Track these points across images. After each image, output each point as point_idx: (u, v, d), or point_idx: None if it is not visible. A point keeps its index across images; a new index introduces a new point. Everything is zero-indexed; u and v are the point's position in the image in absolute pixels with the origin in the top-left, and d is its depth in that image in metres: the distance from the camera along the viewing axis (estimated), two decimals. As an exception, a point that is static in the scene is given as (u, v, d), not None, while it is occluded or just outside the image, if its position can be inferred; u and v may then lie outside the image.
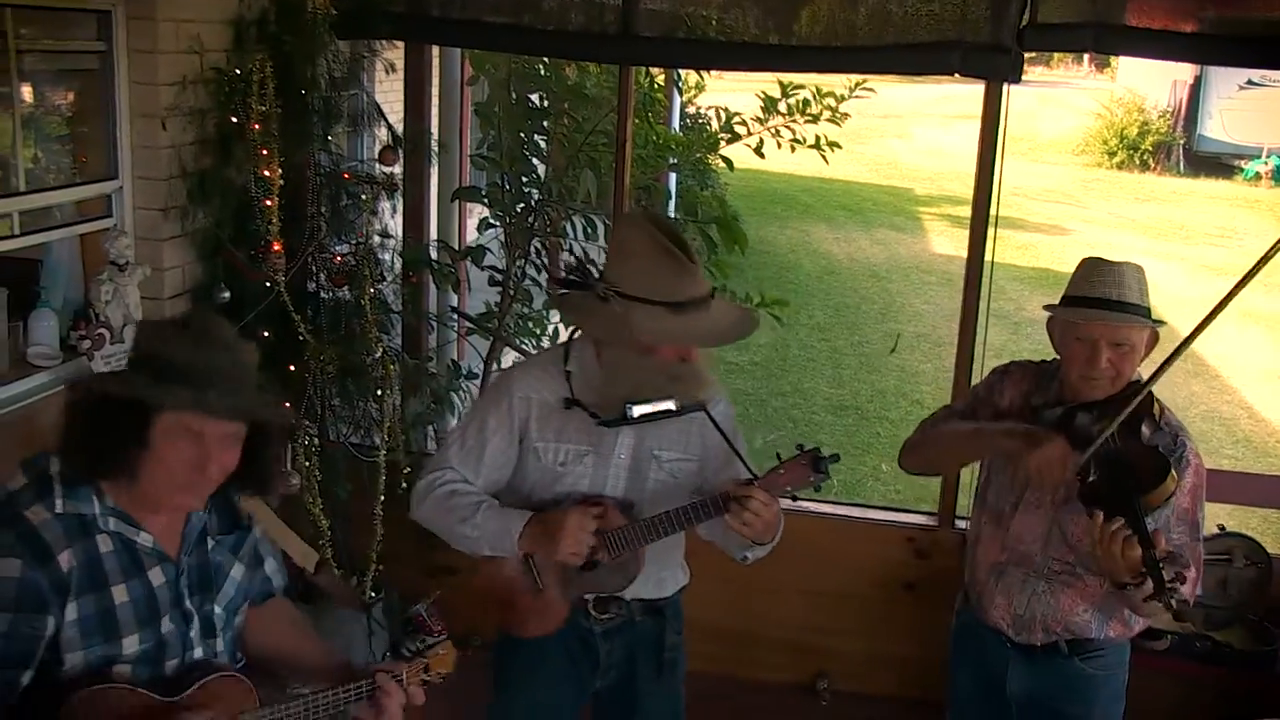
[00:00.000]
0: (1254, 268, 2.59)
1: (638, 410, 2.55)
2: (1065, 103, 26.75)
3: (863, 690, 4.47)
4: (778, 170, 13.82)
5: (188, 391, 1.96)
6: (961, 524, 4.35)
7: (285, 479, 3.82)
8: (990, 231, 4.11)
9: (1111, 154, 20.80)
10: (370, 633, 4.28)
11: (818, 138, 5.65)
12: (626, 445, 2.72)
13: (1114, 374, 2.65)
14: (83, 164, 4.08)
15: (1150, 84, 21.12)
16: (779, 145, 5.70)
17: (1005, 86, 3.94)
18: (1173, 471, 2.57)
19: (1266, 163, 19.97)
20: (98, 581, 1.99)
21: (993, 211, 4.11)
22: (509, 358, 5.69)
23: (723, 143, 5.77)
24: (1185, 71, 20.43)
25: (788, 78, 5.50)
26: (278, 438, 2.24)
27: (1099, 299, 2.64)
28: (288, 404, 4.17)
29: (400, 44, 4.64)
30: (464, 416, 2.98)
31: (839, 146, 5.77)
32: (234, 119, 3.94)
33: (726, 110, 5.87)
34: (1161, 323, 2.68)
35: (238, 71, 3.94)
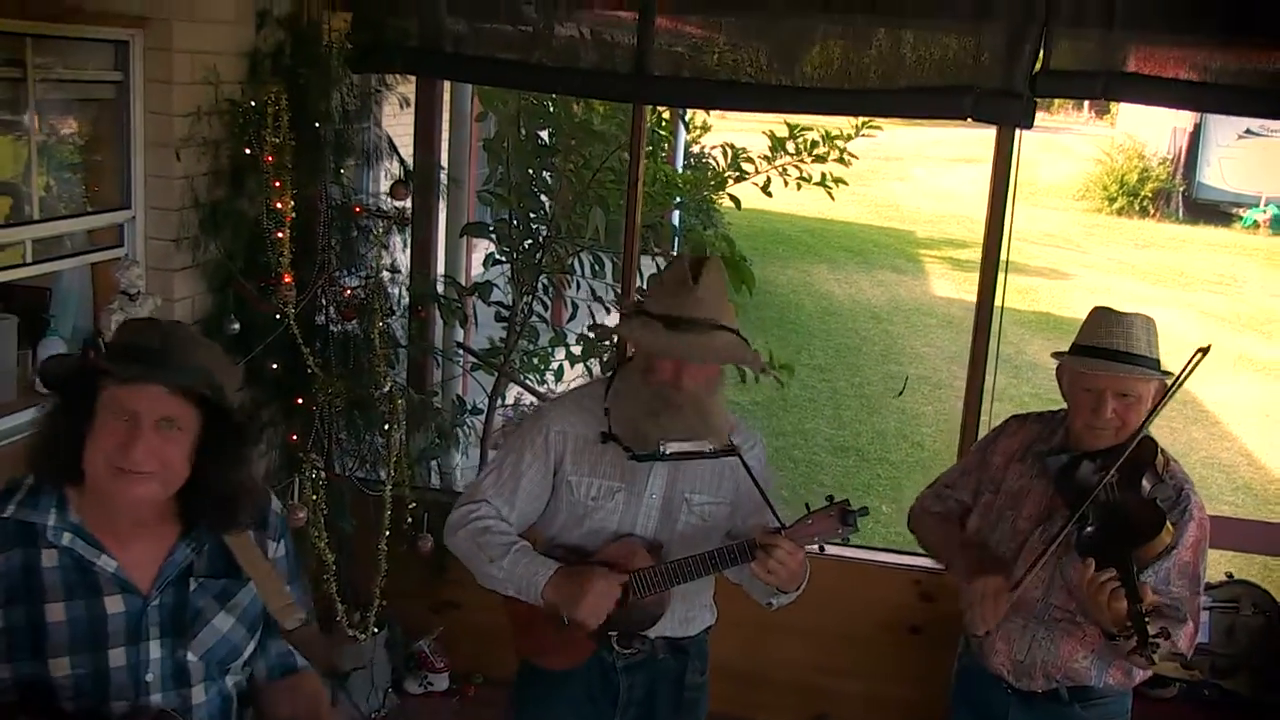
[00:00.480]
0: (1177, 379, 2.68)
1: (670, 447, 2.56)
2: (1065, 148, 26.87)
3: (866, 733, 4.44)
4: (780, 210, 13.86)
5: (114, 364, 1.91)
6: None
7: (293, 511, 3.81)
8: (1001, 277, 4.10)
9: (1112, 200, 20.90)
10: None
11: (824, 175, 5.71)
12: (659, 486, 2.73)
13: (1119, 424, 2.66)
14: (95, 193, 4.08)
15: (1150, 131, 21.27)
16: (785, 184, 5.75)
17: (1018, 132, 3.95)
18: (1168, 525, 2.58)
19: (1265, 211, 20.07)
20: (31, 593, 1.90)
21: (1003, 256, 4.09)
22: (514, 394, 5.70)
23: (730, 181, 5.81)
24: (1185, 119, 20.57)
25: (796, 119, 5.54)
26: (239, 450, 2.05)
27: (1106, 349, 2.67)
28: (294, 436, 4.19)
29: (412, 78, 4.67)
30: (500, 448, 2.97)
31: (845, 183, 5.82)
32: (248, 150, 3.95)
33: (733, 147, 5.90)
34: (1169, 374, 2.69)
35: (252, 103, 3.95)
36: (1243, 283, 16.55)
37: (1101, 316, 2.76)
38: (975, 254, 16.16)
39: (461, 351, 5.61)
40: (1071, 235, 19.39)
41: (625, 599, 2.61)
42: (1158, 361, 2.70)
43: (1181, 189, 20.81)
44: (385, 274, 4.31)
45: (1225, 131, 20.48)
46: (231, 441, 2.02)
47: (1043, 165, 25.29)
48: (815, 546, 2.57)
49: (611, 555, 2.68)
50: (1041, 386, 11.27)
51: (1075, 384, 2.75)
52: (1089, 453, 2.71)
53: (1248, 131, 20.42)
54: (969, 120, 3.96)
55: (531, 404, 5.71)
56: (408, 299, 4.60)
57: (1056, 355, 2.83)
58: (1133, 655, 2.44)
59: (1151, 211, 20.74)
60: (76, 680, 1.92)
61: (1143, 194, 20.80)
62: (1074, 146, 26.81)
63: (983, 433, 4.27)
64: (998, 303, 4.18)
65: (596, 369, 5.87)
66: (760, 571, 2.51)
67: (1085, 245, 18.16)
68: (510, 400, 5.78)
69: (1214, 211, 20.59)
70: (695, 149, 10.82)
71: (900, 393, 10.19)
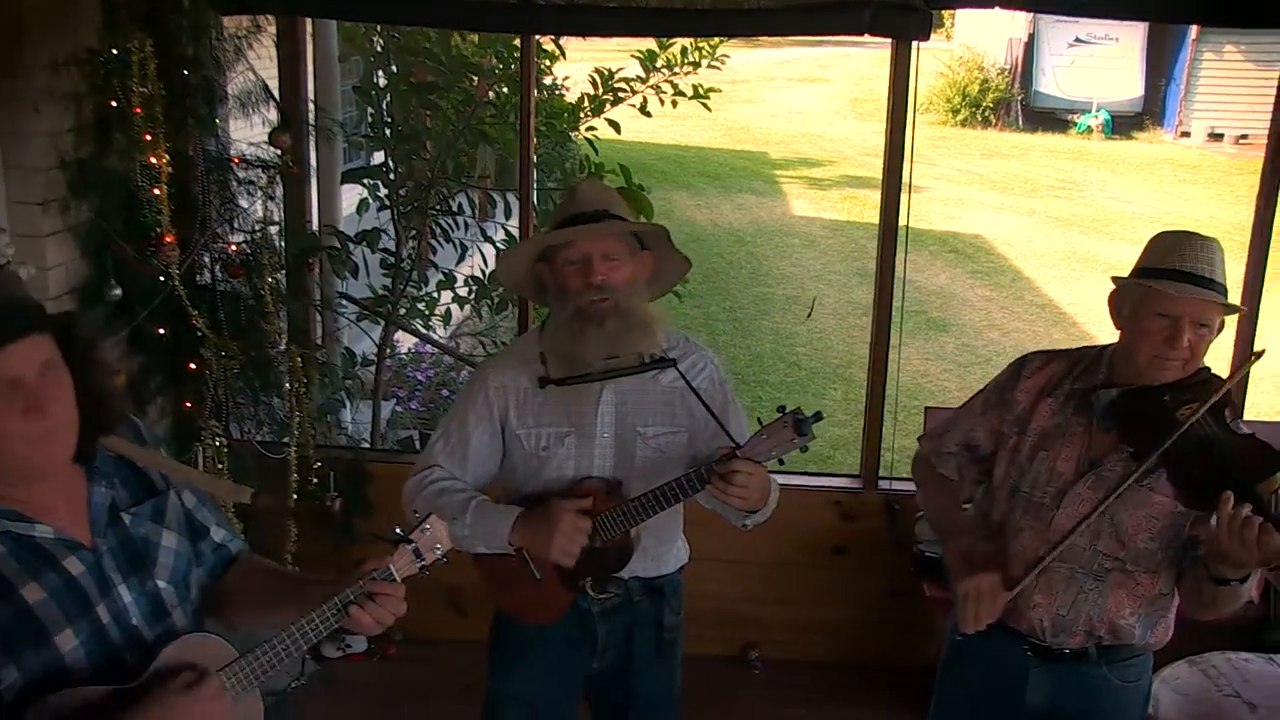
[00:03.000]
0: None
1: (597, 365, 2.55)
2: (904, 63, 27.35)
3: (794, 657, 4.48)
4: (633, 140, 13.75)
5: None
6: (884, 484, 4.38)
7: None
8: (905, 196, 4.10)
9: (955, 112, 21.30)
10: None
11: (695, 88, 5.65)
12: (608, 423, 2.68)
13: (1188, 355, 2.45)
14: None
15: (987, 42, 21.73)
16: (661, 103, 5.67)
17: (915, 46, 3.93)
18: None
19: (1096, 117, 20.74)
20: (1, 589, 1.78)
21: (905, 176, 4.09)
22: (410, 343, 5.53)
23: (607, 105, 5.69)
24: (1020, 29, 21.09)
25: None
26: (94, 356, 1.92)
27: (1189, 273, 2.43)
28: (189, 404, 3.97)
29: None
30: (447, 412, 2.90)
31: (719, 90, 5.77)
32: (113, 103, 3.67)
33: (606, 71, 5.76)
34: (1240, 308, 2.55)
35: (114, 52, 3.66)
36: (1083, 186, 17.12)
37: (1178, 238, 2.51)
38: (830, 172, 16.55)
39: (345, 303, 5.40)
40: (919, 148, 19.62)
41: (591, 541, 2.56)
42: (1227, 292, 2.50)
43: (1020, 98, 21.36)
44: (272, 227, 4.09)
45: (1057, 40, 21.07)
46: (84, 352, 1.90)
47: (883, 81, 25.62)
48: (773, 460, 2.51)
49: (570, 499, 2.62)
50: (908, 300, 11.50)
51: (1147, 308, 2.47)
52: (1150, 387, 2.48)
53: (1078, 40, 21.07)
54: (865, 35, 3.93)
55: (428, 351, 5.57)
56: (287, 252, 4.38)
57: (1119, 280, 2.57)
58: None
59: (993, 121, 21.22)
60: (86, 649, 1.84)
61: (984, 104, 21.25)
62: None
63: (895, 354, 4.34)
64: (902, 221, 4.18)
65: (486, 313, 5.75)
66: (724, 497, 2.47)
67: (933, 157, 18.47)
68: (404, 350, 5.62)
69: (1051, 119, 21.18)
70: (547, 80, 10.61)
71: (809, 314, 10.27)
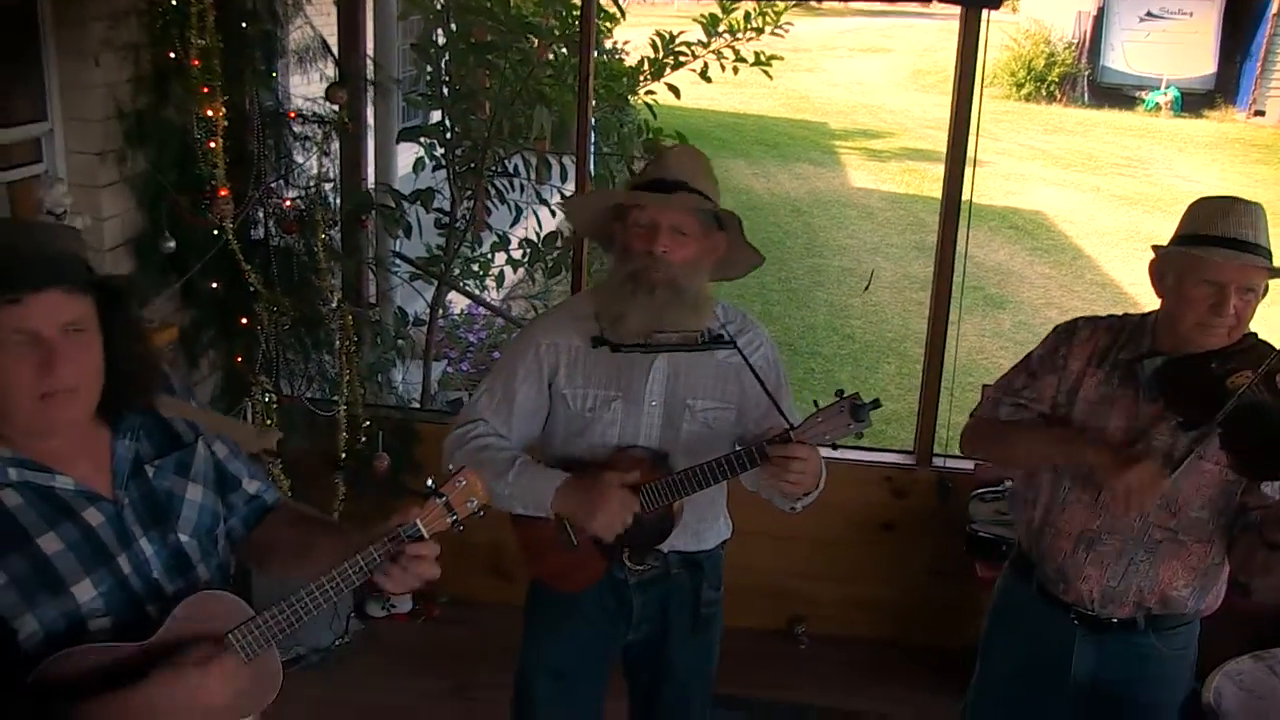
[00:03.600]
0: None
1: (659, 337, 2.49)
2: (969, 35, 26.93)
3: (840, 633, 4.43)
4: (692, 107, 13.64)
5: None
6: (938, 462, 4.30)
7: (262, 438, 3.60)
8: (970, 170, 3.99)
9: (1020, 85, 20.93)
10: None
11: (757, 55, 5.55)
12: (658, 391, 2.61)
13: (1234, 322, 2.42)
14: (5, 107, 3.75)
15: (1055, 15, 21.30)
16: (722, 68, 5.58)
17: (985, 16, 3.82)
18: None
19: (1166, 94, 20.28)
20: (16, 538, 1.75)
21: (970, 150, 3.97)
22: (463, 304, 5.51)
23: (668, 69, 5.60)
24: (1090, 2, 20.64)
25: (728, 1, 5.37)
26: (134, 321, 1.91)
27: (1233, 239, 2.40)
28: (240, 359, 3.98)
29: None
30: (493, 366, 2.85)
31: (781, 58, 5.67)
32: (171, 55, 3.67)
33: (667, 35, 5.67)
34: None
35: (174, 3, 3.65)
36: (1149, 164, 16.76)
37: (1220, 204, 2.48)
38: (889, 144, 16.36)
39: (399, 262, 5.39)
40: (982, 122, 19.38)
41: (635, 516, 2.50)
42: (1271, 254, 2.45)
43: (1087, 73, 20.92)
44: (326, 184, 4.07)
45: (1128, 14, 20.60)
46: (125, 315, 1.86)
47: (948, 54, 25.26)
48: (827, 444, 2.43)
49: (616, 467, 2.55)
50: (970, 275, 11.38)
51: (1191, 276, 2.43)
52: (1196, 355, 2.44)
53: (1149, 14, 20.59)
54: (933, 3, 3.82)
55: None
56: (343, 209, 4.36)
57: (1159, 248, 2.54)
58: None
59: (1058, 96, 20.83)
60: (106, 599, 1.81)
61: (1049, 79, 20.86)
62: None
63: (953, 330, 4.24)
64: (965, 196, 4.07)
65: (540, 277, 5.71)
66: (776, 480, 2.40)
67: (996, 132, 18.15)
68: (456, 311, 5.60)
69: (1118, 95, 20.74)
70: (606, 43, 10.52)
71: (867, 287, 10.16)
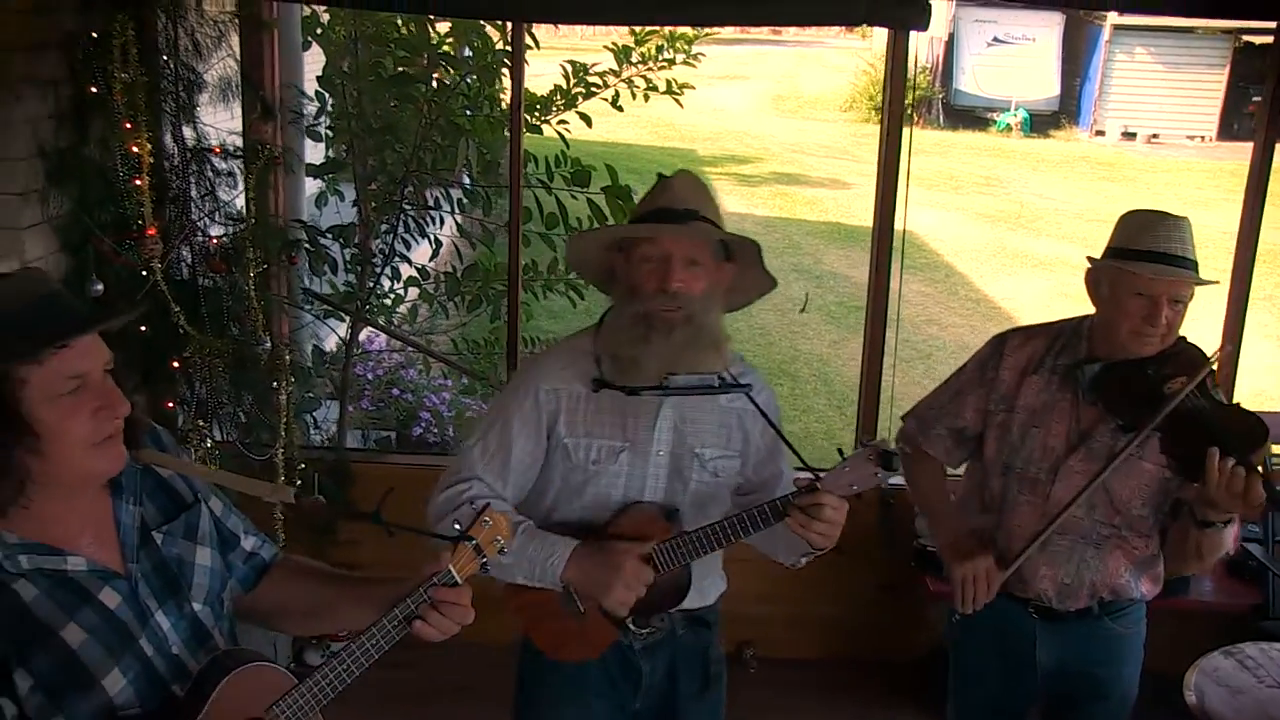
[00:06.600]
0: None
1: (677, 380, 2.34)
2: (822, 62, 27.58)
3: (790, 655, 4.44)
4: (553, 140, 13.69)
5: (24, 342, 1.60)
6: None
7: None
8: (903, 185, 4.06)
9: (879, 109, 21.54)
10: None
11: (668, 82, 5.60)
12: (665, 441, 2.46)
13: (1166, 330, 2.56)
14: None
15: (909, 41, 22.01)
16: (633, 96, 5.61)
17: (913, 36, 3.91)
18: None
19: (1015, 115, 21.20)
20: (39, 634, 1.63)
21: (902, 168, 4.05)
22: (378, 340, 5.39)
23: (579, 100, 5.59)
24: (940, 27, 21.41)
25: (641, 30, 5.41)
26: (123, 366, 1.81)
27: (1163, 253, 2.53)
28: (171, 404, 3.81)
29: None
30: (486, 414, 2.62)
31: (691, 87, 5.73)
32: (94, 89, 3.51)
33: (576, 64, 5.67)
34: (1214, 282, 2.63)
35: (95, 35, 3.49)
36: (1006, 183, 17.44)
37: (1149, 219, 2.61)
38: (758, 169, 16.52)
39: (311, 300, 5.24)
40: (844, 145, 19.94)
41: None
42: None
43: (940, 96, 21.70)
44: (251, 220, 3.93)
45: (976, 40, 21.50)
46: (121, 360, 1.79)
47: (803, 80, 25.89)
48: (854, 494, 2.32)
49: (626, 528, 2.42)
50: (845, 294, 11.61)
51: (1124, 289, 2.58)
52: (1133, 360, 2.59)
53: (995, 40, 21.53)
54: (864, 25, 3.90)
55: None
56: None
57: (1094, 260, 2.68)
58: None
59: (915, 119, 21.52)
60: (135, 687, 1.71)
61: (907, 102, 21.52)
62: (830, 60, 27.54)
63: (902, 357, 4.32)
64: (898, 225, 4.14)
65: (454, 310, 5.62)
66: (803, 531, 2.28)
67: (859, 154, 18.67)
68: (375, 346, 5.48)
69: (971, 117, 21.60)
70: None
71: (803, 309, 10.24)
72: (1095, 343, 2.69)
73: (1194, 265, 2.56)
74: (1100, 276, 2.66)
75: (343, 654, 1.83)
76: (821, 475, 2.30)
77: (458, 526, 1.92)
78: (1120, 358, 2.61)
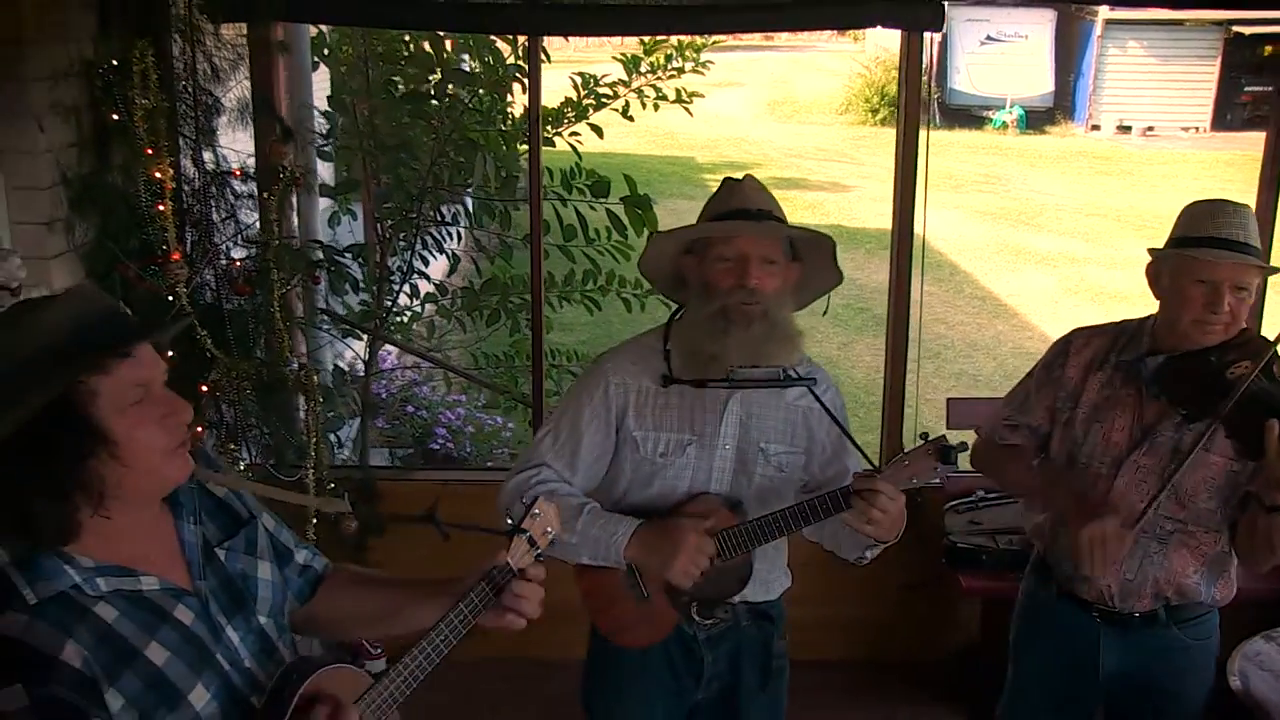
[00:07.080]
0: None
1: (742, 372, 2.39)
2: (816, 66, 27.58)
3: (814, 657, 4.41)
4: (561, 152, 13.73)
5: (85, 349, 1.59)
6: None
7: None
8: (921, 196, 4.06)
9: (875, 111, 21.60)
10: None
11: (678, 91, 5.63)
12: (731, 435, 2.53)
13: (1229, 319, 2.52)
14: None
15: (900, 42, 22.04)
16: (643, 105, 5.64)
17: (929, 38, 3.93)
18: None
19: (1011, 112, 21.23)
20: (125, 654, 1.63)
21: (920, 172, 4.05)
22: (400, 358, 5.40)
23: (590, 110, 5.62)
24: (933, 28, 21.44)
25: (650, 39, 5.43)
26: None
27: (1225, 239, 2.50)
28: (201, 429, 3.81)
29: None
30: (557, 406, 2.72)
31: (701, 95, 5.75)
32: (115, 116, 3.52)
33: (586, 75, 5.69)
34: (1276, 269, 2.58)
35: (114, 63, 3.51)
36: (1005, 180, 17.44)
37: (1210, 207, 2.58)
38: (757, 174, 16.73)
39: (326, 318, 5.25)
40: (842, 149, 19.97)
41: (711, 561, 2.43)
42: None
43: (936, 96, 21.70)
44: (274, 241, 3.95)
45: (969, 39, 21.52)
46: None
47: (797, 84, 25.90)
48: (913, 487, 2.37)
49: (691, 514, 2.48)
50: (852, 297, 11.60)
51: (1185, 277, 2.54)
52: (1195, 350, 2.55)
53: (988, 38, 21.55)
54: (878, 27, 3.91)
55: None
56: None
57: (1155, 251, 2.64)
58: None
59: (913, 120, 21.58)
60: (219, 701, 1.73)
61: (909, 104, 21.57)
62: (823, 64, 27.54)
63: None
64: (918, 230, 4.14)
65: (471, 325, 5.63)
66: (860, 522, 2.33)
67: (857, 157, 18.73)
68: (387, 364, 5.48)
69: (967, 116, 21.59)
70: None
71: (825, 312, 10.25)
72: (1159, 338, 2.66)
73: (1256, 251, 2.52)
74: (1161, 267, 2.64)
75: (415, 653, 1.87)
76: (883, 470, 2.35)
77: (509, 521, 1.99)
78: (1183, 349, 2.57)
